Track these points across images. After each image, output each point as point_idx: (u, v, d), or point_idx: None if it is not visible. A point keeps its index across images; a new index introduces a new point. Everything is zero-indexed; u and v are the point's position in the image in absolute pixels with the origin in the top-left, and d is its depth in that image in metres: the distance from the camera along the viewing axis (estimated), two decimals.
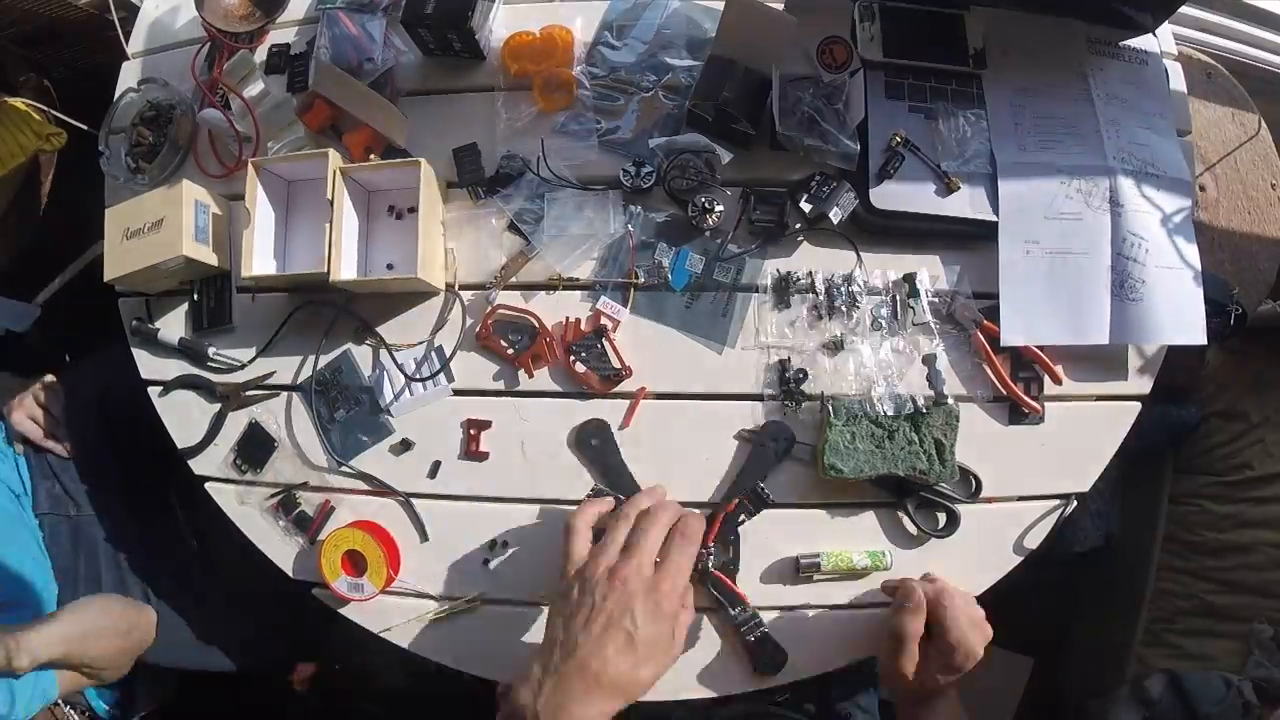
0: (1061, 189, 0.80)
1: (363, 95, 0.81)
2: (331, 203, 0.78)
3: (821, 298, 0.80)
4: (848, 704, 0.88)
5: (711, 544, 0.75)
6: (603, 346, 0.80)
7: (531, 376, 0.81)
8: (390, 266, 0.83)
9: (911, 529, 0.78)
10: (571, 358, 0.80)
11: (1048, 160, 0.80)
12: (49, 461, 0.97)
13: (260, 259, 0.80)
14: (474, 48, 0.84)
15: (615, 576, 0.60)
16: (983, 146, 0.80)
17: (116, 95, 0.90)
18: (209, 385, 0.84)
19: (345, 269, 0.78)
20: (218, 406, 0.84)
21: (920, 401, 0.76)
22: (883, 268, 0.81)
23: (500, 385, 0.82)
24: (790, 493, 0.79)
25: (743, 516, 0.78)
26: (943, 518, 0.79)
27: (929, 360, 0.79)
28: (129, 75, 0.93)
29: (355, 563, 0.77)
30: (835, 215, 0.78)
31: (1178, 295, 0.79)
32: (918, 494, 0.78)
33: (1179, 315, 0.79)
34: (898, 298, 0.80)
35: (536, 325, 0.81)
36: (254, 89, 0.86)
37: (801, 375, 0.79)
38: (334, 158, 0.79)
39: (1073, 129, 0.82)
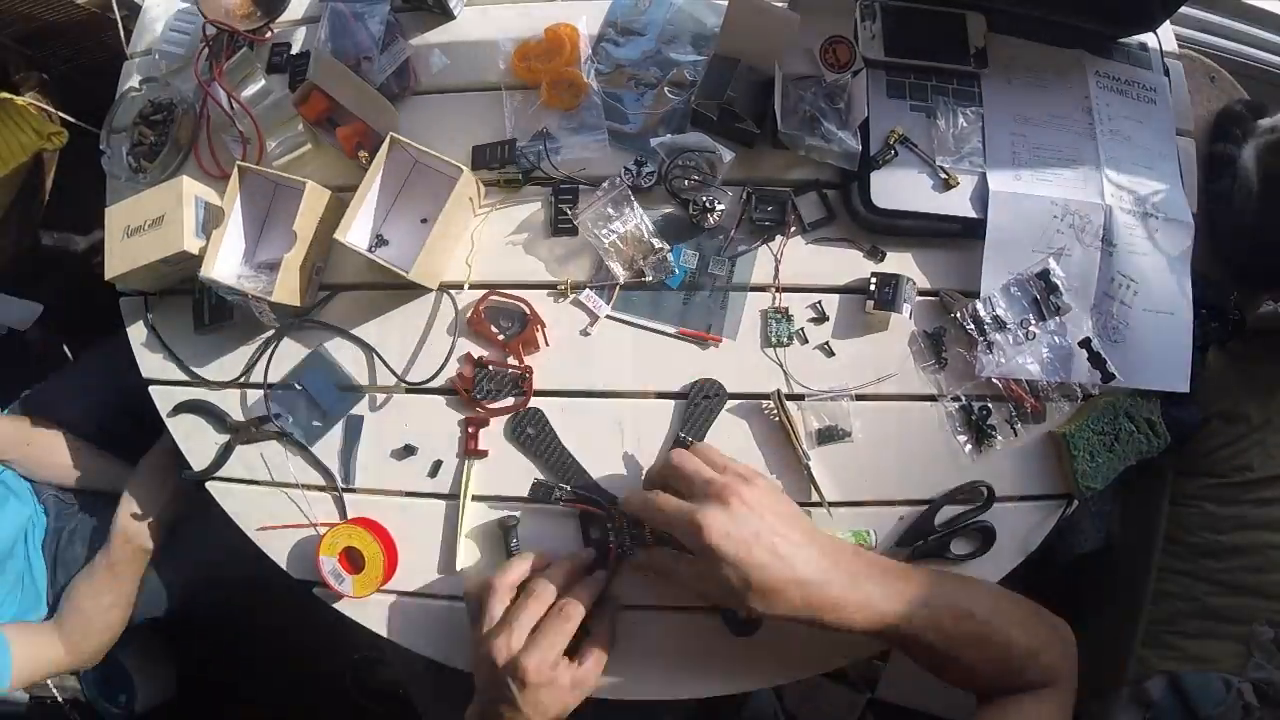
0: (1054, 223, 0.78)
1: (357, 89, 0.82)
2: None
3: (975, 333, 0.78)
4: None
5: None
6: (489, 371, 0.81)
7: (521, 362, 0.81)
8: (424, 221, 0.82)
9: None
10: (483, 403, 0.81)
11: (1042, 193, 0.78)
12: None
13: (224, 262, 0.80)
14: (443, 5, 0.86)
15: (486, 654, 0.65)
16: (980, 145, 0.80)
17: (118, 94, 0.90)
18: (219, 414, 0.84)
19: (355, 238, 0.79)
20: (227, 438, 0.83)
21: (1089, 386, 0.77)
22: (887, 268, 0.81)
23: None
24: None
25: None
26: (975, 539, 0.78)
27: (1085, 344, 0.77)
28: (130, 74, 0.93)
29: (353, 560, 0.77)
30: (906, 309, 0.78)
31: (1163, 340, 0.79)
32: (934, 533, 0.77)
33: (1162, 360, 0.79)
34: (1037, 298, 0.78)
35: (527, 311, 0.81)
36: (254, 87, 0.86)
37: (986, 412, 0.78)
38: (311, 189, 0.79)
39: (1072, 163, 0.80)
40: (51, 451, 0.99)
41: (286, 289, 0.79)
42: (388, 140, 0.78)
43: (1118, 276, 0.78)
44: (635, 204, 0.80)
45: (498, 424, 0.81)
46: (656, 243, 0.81)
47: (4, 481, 0.99)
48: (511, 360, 0.81)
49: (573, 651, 0.68)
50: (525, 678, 0.63)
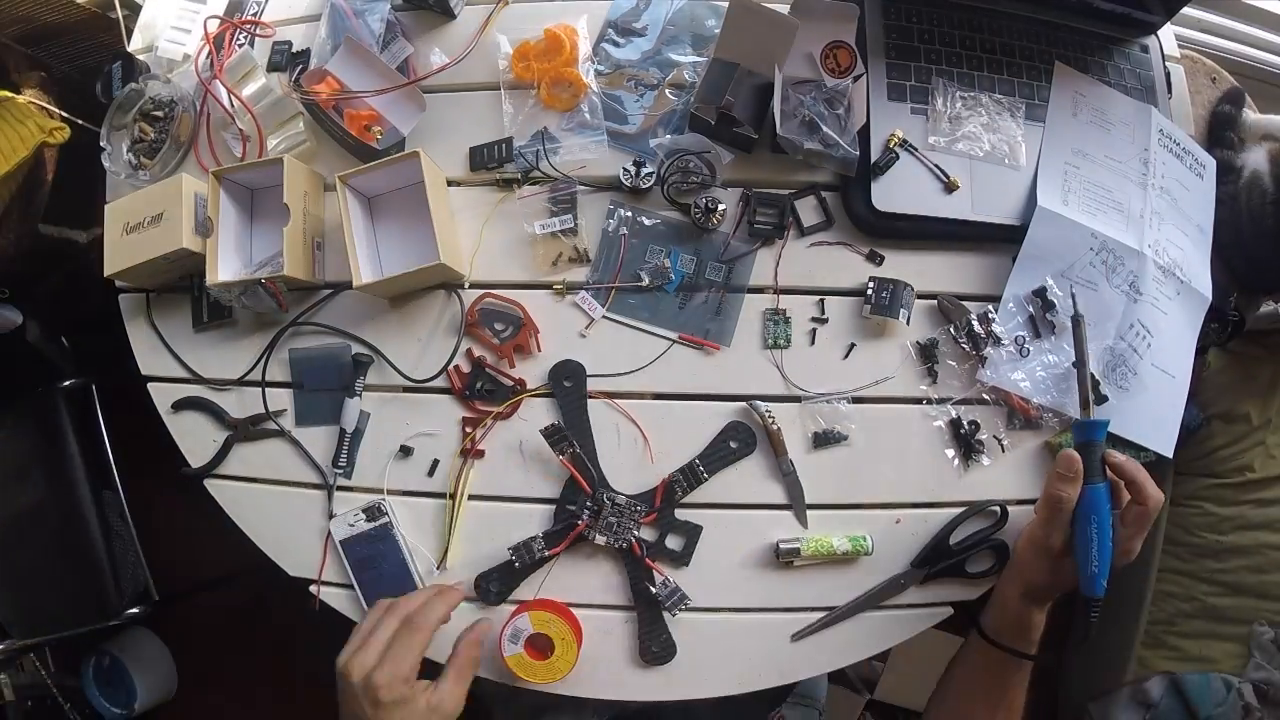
0: (1088, 255, 0.78)
1: (383, 74, 0.82)
2: (296, 207, 0.78)
3: (967, 346, 0.79)
4: None
5: (644, 523, 0.77)
6: (490, 375, 0.81)
7: (513, 366, 0.81)
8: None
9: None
10: (472, 402, 0.81)
11: (1085, 223, 0.79)
12: None
13: (225, 268, 0.80)
14: (444, 5, 0.86)
15: (345, 670, 0.64)
16: (975, 130, 0.80)
17: (118, 91, 0.90)
18: (218, 411, 0.84)
19: (365, 274, 0.78)
20: (225, 435, 0.83)
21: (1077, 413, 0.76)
22: (886, 272, 0.81)
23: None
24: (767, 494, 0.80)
25: (679, 492, 0.78)
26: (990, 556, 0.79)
27: (1079, 364, 0.77)
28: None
29: (538, 646, 0.74)
30: (903, 316, 0.78)
31: (1161, 401, 0.80)
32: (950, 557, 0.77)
33: (1156, 419, 0.80)
34: (1033, 315, 0.79)
35: (522, 315, 0.81)
36: (254, 85, 0.86)
37: (975, 427, 0.78)
38: (289, 163, 0.79)
39: (1120, 206, 0.81)
40: None
41: (293, 261, 0.79)
42: (339, 183, 0.78)
43: (1137, 324, 0.79)
44: (579, 210, 0.82)
45: (496, 425, 0.81)
46: (590, 253, 0.82)
47: None
48: (506, 367, 0.81)
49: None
50: (377, 695, 0.62)
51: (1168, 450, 0.81)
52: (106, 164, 0.88)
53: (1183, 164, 0.85)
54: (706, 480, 0.78)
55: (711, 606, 0.78)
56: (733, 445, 0.79)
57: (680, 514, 0.79)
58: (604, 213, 0.83)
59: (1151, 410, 0.80)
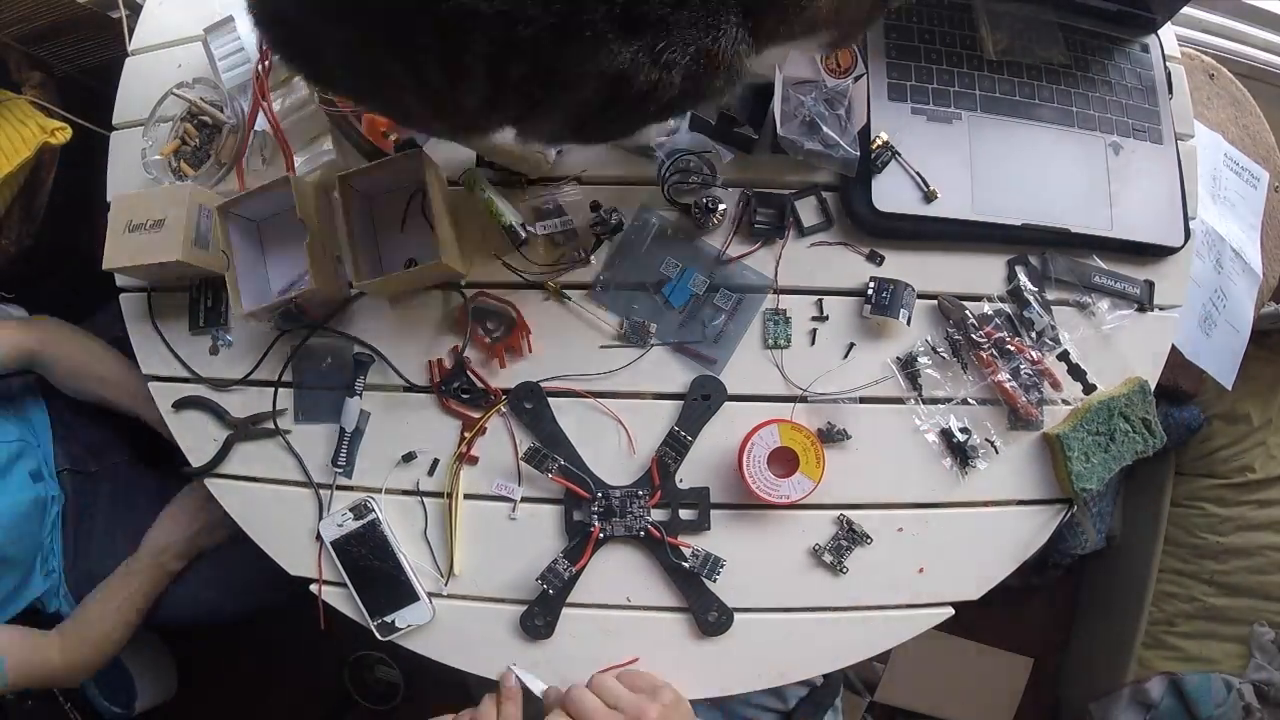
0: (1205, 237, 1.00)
1: None
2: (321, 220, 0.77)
3: (948, 357, 0.80)
4: None
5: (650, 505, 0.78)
6: (468, 378, 0.81)
7: (504, 367, 0.81)
8: (412, 262, 0.83)
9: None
10: (447, 399, 0.81)
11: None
12: (65, 420, 1.03)
13: (247, 297, 0.80)
14: None
15: None
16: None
17: (162, 92, 0.88)
18: (219, 411, 0.84)
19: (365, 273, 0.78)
20: (226, 434, 0.83)
21: (1069, 400, 0.79)
22: (886, 272, 0.81)
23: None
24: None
25: (671, 464, 0.79)
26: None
27: (1064, 356, 0.79)
28: (132, 71, 0.93)
29: (782, 461, 0.75)
30: (903, 316, 0.78)
31: (1230, 346, 1.02)
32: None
33: (1225, 361, 1.02)
34: (1011, 316, 0.80)
35: (515, 316, 0.81)
36: (294, 95, 0.85)
37: (966, 434, 0.79)
38: (296, 181, 0.79)
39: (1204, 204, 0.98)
40: (87, 353, 0.98)
41: (318, 274, 0.78)
42: (339, 183, 0.77)
43: (1219, 290, 1.00)
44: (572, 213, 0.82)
45: (493, 427, 0.81)
46: (593, 258, 0.82)
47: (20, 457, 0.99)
48: (496, 368, 0.81)
49: None
50: None
51: (1228, 382, 1.01)
52: (145, 167, 0.86)
53: (1241, 180, 1.04)
54: (692, 443, 0.79)
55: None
56: (705, 399, 0.79)
57: (682, 484, 0.79)
58: (632, 213, 0.83)
59: (1224, 352, 1.01)
